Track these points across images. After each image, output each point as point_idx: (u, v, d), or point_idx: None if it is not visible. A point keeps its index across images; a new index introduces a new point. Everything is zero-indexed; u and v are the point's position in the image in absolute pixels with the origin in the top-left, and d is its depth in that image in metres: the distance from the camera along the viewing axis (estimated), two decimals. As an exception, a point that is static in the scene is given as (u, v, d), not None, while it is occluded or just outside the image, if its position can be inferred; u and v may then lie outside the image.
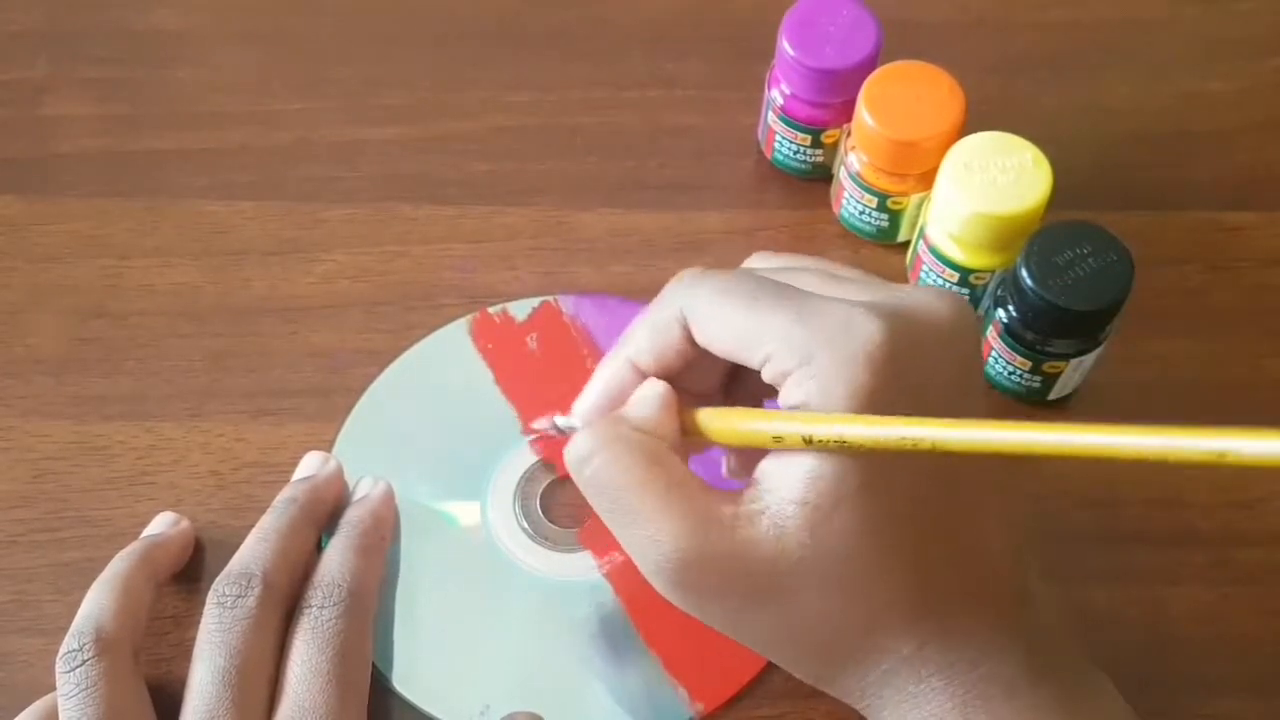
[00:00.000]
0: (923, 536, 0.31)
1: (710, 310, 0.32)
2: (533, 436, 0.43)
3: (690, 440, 0.34)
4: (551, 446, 0.42)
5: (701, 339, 0.33)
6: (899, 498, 0.31)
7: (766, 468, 0.31)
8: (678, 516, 0.31)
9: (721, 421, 0.33)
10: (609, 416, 0.34)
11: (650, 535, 0.31)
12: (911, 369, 0.31)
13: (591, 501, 0.33)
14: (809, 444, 0.30)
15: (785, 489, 0.31)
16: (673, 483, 0.32)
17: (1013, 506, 0.33)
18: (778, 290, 0.32)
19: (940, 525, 0.32)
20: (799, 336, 0.31)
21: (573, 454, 0.33)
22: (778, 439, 0.31)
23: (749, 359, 0.32)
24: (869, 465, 0.30)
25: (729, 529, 0.31)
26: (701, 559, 0.31)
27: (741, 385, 0.36)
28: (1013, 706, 0.31)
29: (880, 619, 0.31)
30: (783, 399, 0.31)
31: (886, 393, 0.30)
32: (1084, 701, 0.33)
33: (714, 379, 0.35)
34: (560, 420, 0.36)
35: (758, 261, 0.37)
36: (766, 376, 0.32)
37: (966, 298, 0.33)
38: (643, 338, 0.34)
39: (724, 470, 0.36)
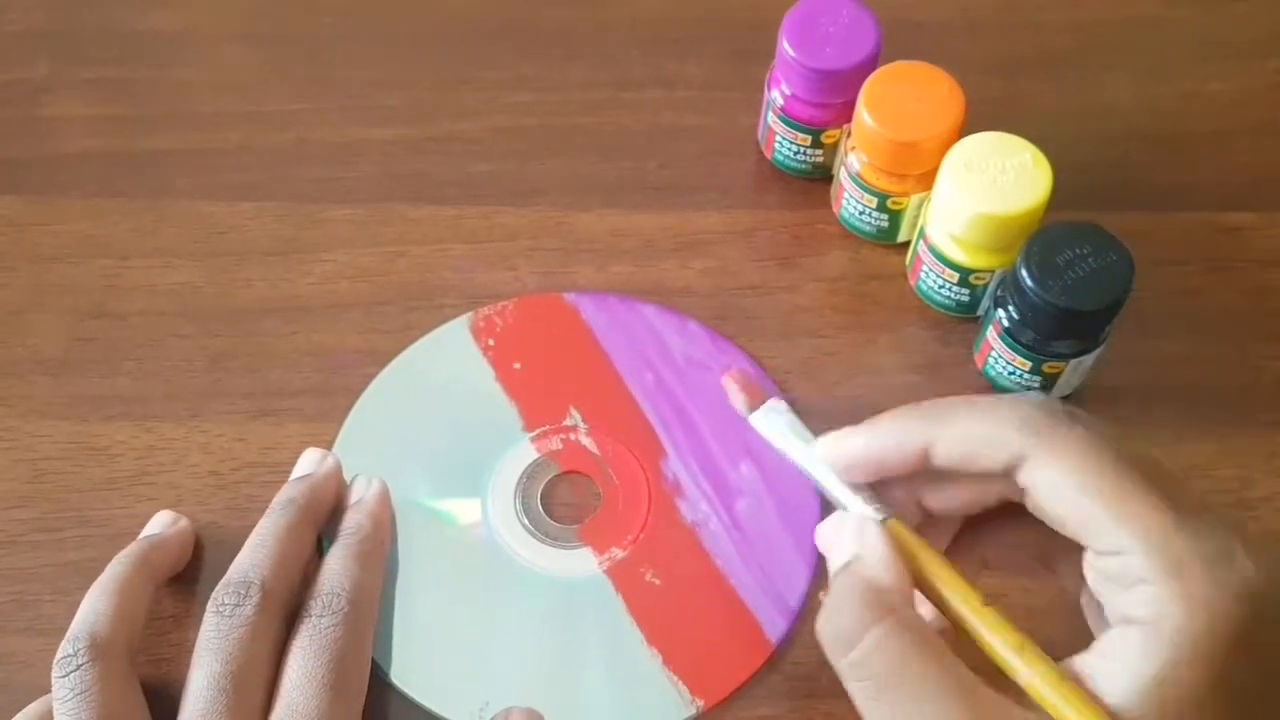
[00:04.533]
0: None
1: (1063, 484, 0.30)
2: (535, 434, 0.43)
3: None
4: (551, 444, 0.43)
5: (1036, 507, 0.31)
6: None
7: (1093, 666, 0.29)
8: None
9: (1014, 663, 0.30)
10: (859, 583, 0.31)
11: None
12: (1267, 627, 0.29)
13: (850, 684, 0.30)
14: None
15: (1114, 692, 0.29)
16: (956, 681, 0.29)
17: None
18: (1146, 482, 0.30)
19: None
20: (1173, 546, 0.29)
21: (829, 630, 0.31)
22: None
23: (1091, 541, 0.30)
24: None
25: None
26: None
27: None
28: None
29: None
30: (1124, 602, 0.29)
31: (1246, 635, 0.28)
32: None
33: (955, 504, 0.34)
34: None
35: None
36: (1104, 566, 0.30)
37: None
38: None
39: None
